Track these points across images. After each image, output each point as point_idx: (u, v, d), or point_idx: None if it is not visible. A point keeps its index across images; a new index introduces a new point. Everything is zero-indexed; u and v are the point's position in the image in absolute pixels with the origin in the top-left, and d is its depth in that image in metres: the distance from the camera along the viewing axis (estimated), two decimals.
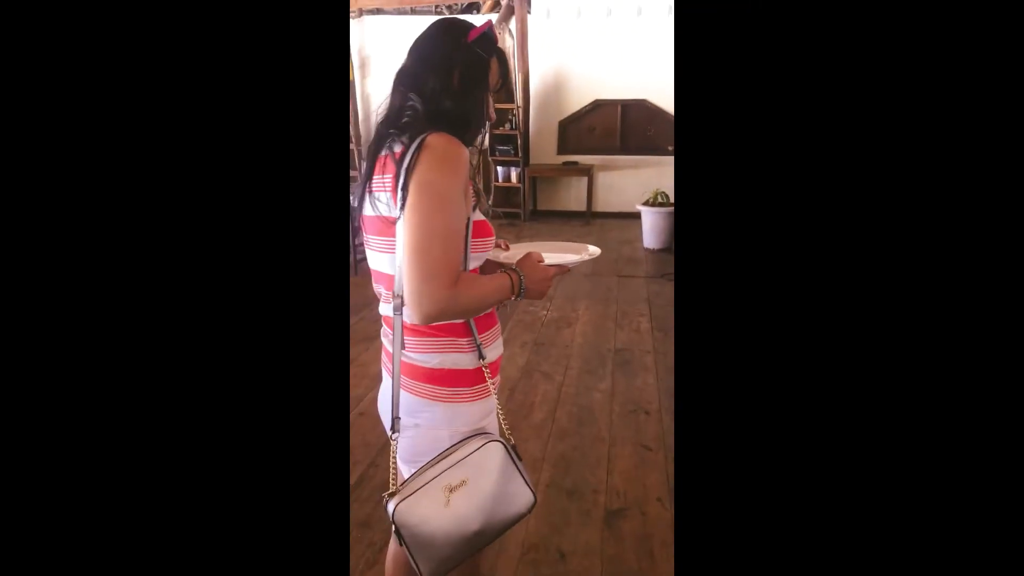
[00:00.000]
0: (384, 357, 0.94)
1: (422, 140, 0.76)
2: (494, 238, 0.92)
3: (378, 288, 0.90)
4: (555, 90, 6.13)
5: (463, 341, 0.87)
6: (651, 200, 4.90)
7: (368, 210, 0.84)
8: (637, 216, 5.24)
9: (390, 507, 0.80)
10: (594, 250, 1.06)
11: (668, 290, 3.88)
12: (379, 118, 0.85)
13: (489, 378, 0.90)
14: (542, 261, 0.92)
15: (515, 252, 0.98)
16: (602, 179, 6.33)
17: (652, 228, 4.87)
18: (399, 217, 0.77)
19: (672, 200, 4.91)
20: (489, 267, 0.94)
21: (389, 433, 0.88)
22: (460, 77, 0.81)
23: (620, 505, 1.77)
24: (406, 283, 0.76)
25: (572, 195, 6.37)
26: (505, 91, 1.06)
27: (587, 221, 6.11)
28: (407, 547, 0.80)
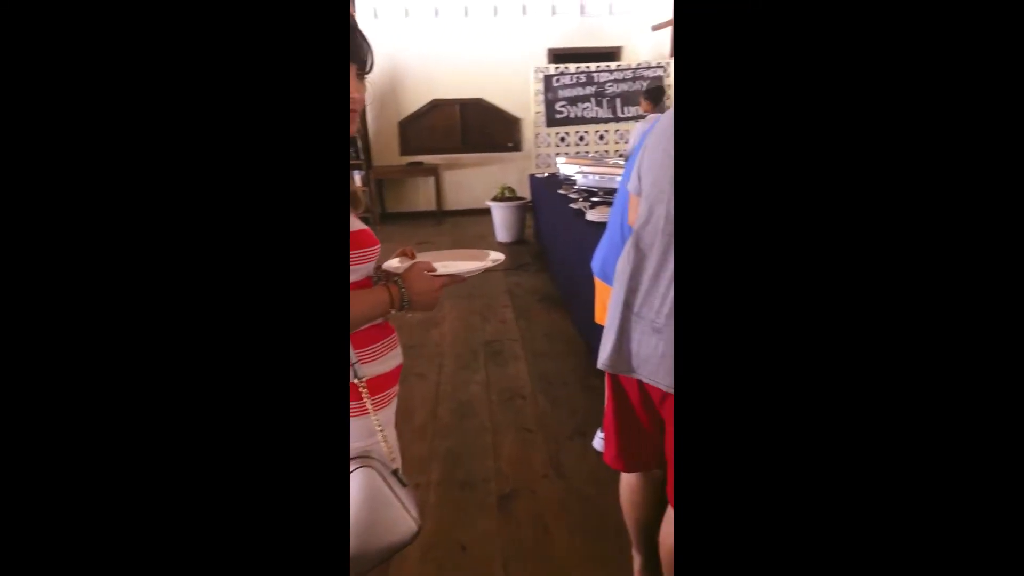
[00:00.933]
0: None
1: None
2: (378, 247, 0.90)
3: None
4: (391, 90, 6.05)
5: None
6: (499, 195, 5.07)
7: None
8: (487, 212, 5.39)
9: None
10: (497, 256, 1.07)
11: (526, 280, 4.06)
12: None
13: (368, 396, 0.86)
14: (432, 271, 0.92)
15: (407, 263, 0.97)
16: (449, 178, 6.40)
17: (503, 222, 5.05)
18: None
19: (517, 194, 5.13)
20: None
21: None
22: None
23: (511, 488, 1.84)
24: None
25: (420, 195, 6.35)
26: None
27: (439, 220, 6.14)
28: None
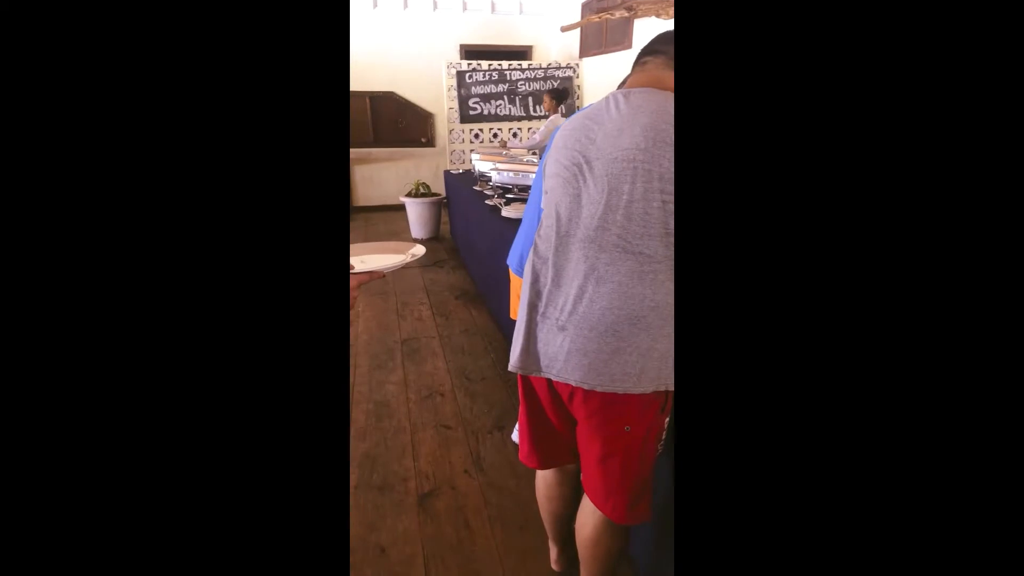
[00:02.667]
0: None
1: None
2: None
3: None
4: None
5: None
6: (413, 191, 4.99)
7: None
8: (401, 208, 5.29)
9: None
10: (418, 249, 1.07)
11: (443, 277, 4.03)
12: None
13: None
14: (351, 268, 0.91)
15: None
16: (360, 172, 6.21)
17: (418, 219, 4.98)
18: None
19: (432, 190, 5.08)
20: None
21: None
22: None
23: (430, 487, 1.82)
24: None
25: None
26: None
27: (351, 216, 5.95)
28: None
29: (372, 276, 0.92)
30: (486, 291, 3.39)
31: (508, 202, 3.20)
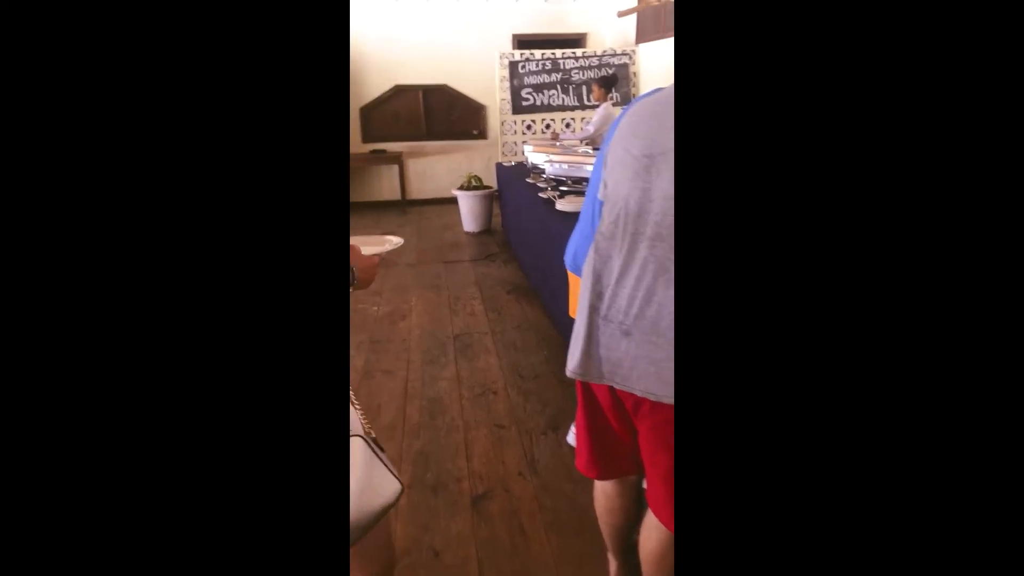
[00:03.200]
0: None
1: None
2: None
3: None
4: (352, 76, 5.86)
5: None
6: (466, 184, 4.98)
7: None
8: (453, 201, 5.29)
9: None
10: (397, 240, 1.19)
11: (495, 271, 3.99)
12: None
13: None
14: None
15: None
16: (412, 166, 6.26)
17: (470, 212, 4.96)
18: None
19: (484, 183, 5.05)
20: None
21: None
22: None
23: (484, 488, 1.79)
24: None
25: (384, 184, 6.20)
26: None
27: (403, 210, 6.01)
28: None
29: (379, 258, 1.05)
30: (539, 286, 3.33)
31: (562, 195, 3.12)
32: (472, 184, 4.96)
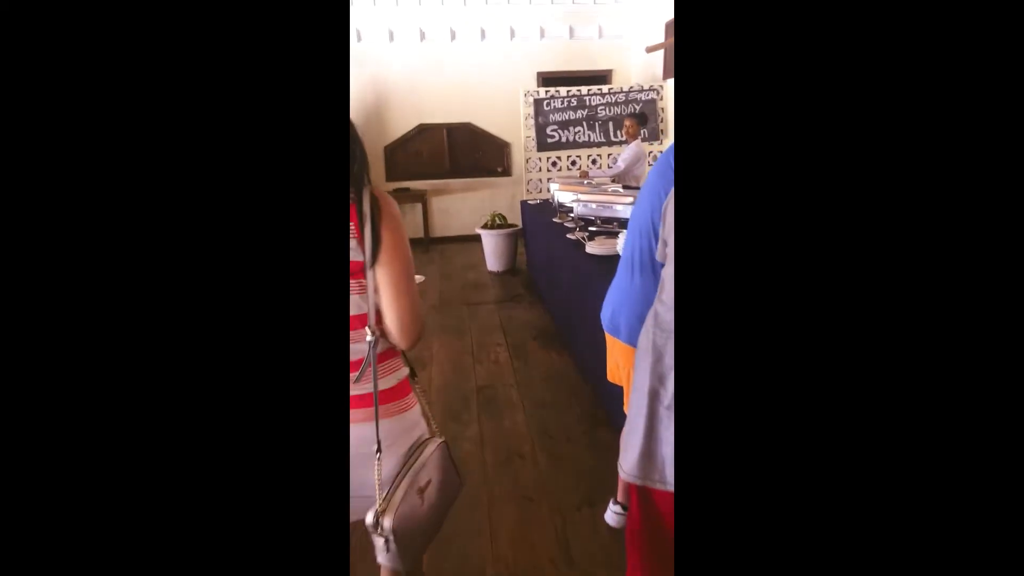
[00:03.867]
0: None
1: (369, 193, 0.86)
2: None
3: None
4: (376, 115, 5.85)
5: (400, 357, 0.99)
6: (489, 223, 4.84)
7: None
8: (476, 239, 5.15)
9: (387, 523, 0.87)
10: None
11: (519, 314, 3.80)
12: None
13: (415, 384, 1.03)
14: None
15: None
16: (436, 204, 6.17)
17: (494, 251, 4.80)
18: (369, 263, 0.86)
19: (508, 221, 4.91)
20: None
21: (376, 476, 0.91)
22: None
23: None
24: (399, 314, 0.87)
25: (407, 222, 6.11)
26: None
27: (426, 248, 5.90)
28: (397, 549, 0.88)
29: None
30: (567, 332, 3.12)
31: (591, 236, 2.94)
32: (496, 223, 4.82)
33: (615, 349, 1.48)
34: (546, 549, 1.66)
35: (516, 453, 2.15)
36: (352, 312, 0.86)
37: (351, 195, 0.83)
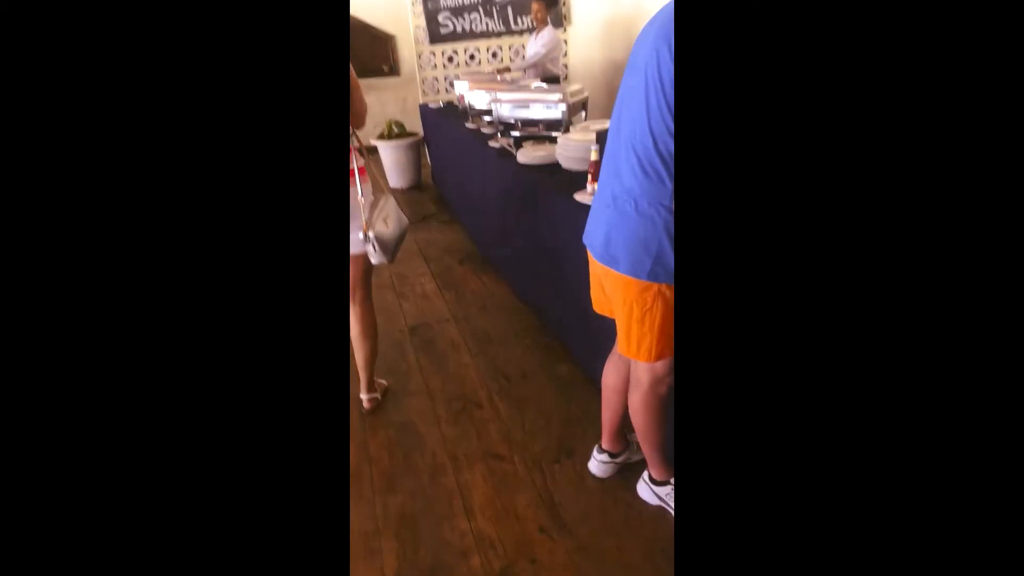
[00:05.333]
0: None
1: None
2: None
3: None
4: None
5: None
6: (386, 132, 4.26)
7: None
8: (371, 152, 4.56)
9: (371, 234, 1.58)
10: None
11: (436, 236, 3.43)
12: None
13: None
14: None
15: None
16: None
17: (395, 164, 4.27)
18: None
19: (407, 129, 4.35)
20: None
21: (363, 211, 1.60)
22: None
23: (501, 564, 1.35)
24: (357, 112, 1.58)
25: None
26: None
27: None
28: (380, 249, 1.61)
29: None
30: (498, 253, 2.83)
31: (517, 142, 2.58)
32: (394, 132, 4.25)
33: (609, 280, 1.22)
34: (533, 517, 1.46)
35: (471, 402, 1.90)
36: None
37: None
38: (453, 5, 4.64)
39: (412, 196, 4.20)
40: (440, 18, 4.64)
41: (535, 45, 3.75)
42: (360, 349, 1.83)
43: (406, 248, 3.23)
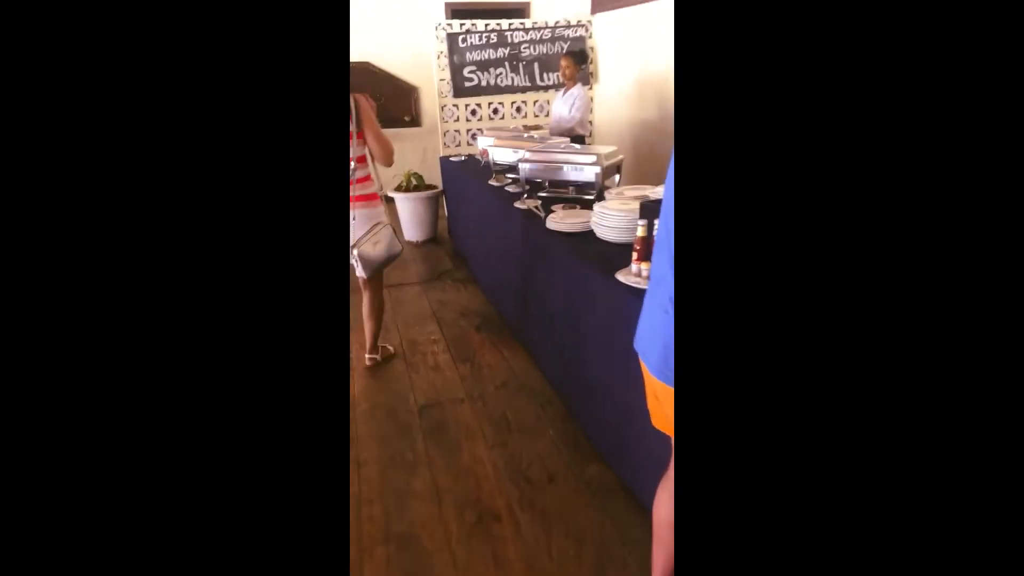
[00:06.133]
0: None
1: (353, 97, 2.07)
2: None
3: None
4: None
5: (371, 180, 2.20)
6: (404, 184, 4.11)
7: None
8: (389, 202, 4.41)
9: (355, 252, 2.11)
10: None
11: (452, 296, 3.19)
12: None
13: (383, 198, 2.25)
14: None
15: None
16: None
17: (413, 217, 4.10)
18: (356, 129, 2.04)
19: (426, 181, 4.20)
20: None
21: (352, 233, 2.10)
22: None
23: None
24: (375, 149, 2.15)
25: None
26: None
27: None
28: (362, 266, 2.14)
29: None
30: (520, 325, 2.58)
31: (547, 205, 2.37)
32: (412, 183, 4.10)
33: (671, 400, 0.96)
34: None
35: (488, 512, 1.61)
36: (358, 154, 2.10)
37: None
38: (479, 59, 4.57)
39: (428, 250, 4.00)
40: (465, 72, 4.56)
41: (564, 104, 3.61)
42: (367, 324, 2.38)
43: (417, 310, 3.00)
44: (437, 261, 3.78)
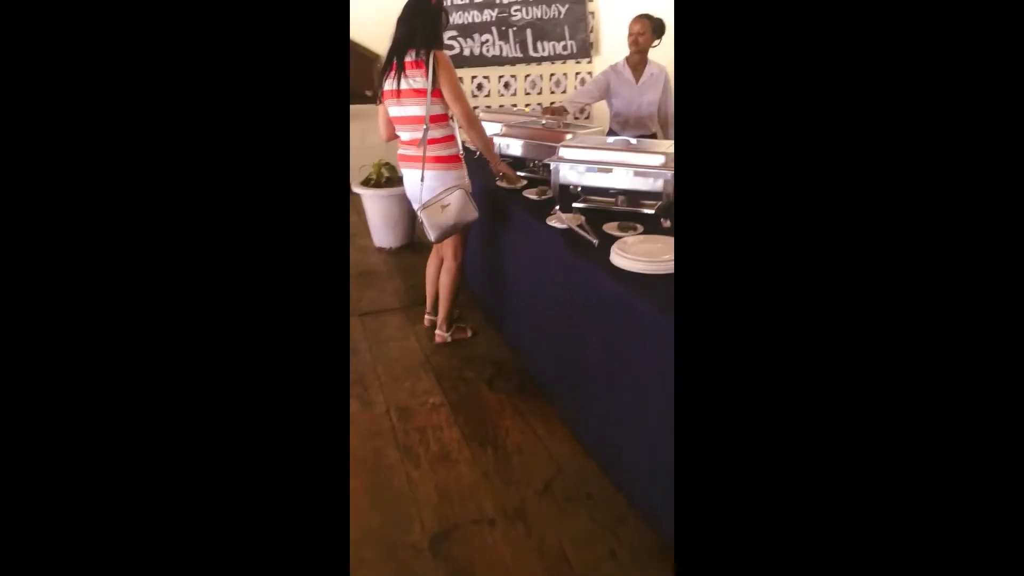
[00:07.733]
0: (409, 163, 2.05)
1: (434, 53, 1.92)
2: None
3: (404, 128, 2.04)
4: None
5: (454, 141, 2.06)
6: (374, 177, 3.31)
7: (402, 85, 1.96)
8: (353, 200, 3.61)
9: (420, 214, 2.01)
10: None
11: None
12: (393, 44, 1.98)
13: (463, 159, 2.08)
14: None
15: None
16: None
17: (384, 219, 3.32)
18: (431, 88, 1.91)
19: (397, 172, 3.40)
20: None
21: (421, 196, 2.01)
22: (435, 21, 1.97)
23: None
24: (458, 114, 1.99)
25: None
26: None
27: None
28: (428, 227, 1.99)
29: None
30: (556, 383, 1.90)
31: (591, 222, 1.68)
32: (384, 177, 3.31)
33: None
34: None
35: None
36: (434, 113, 1.96)
37: (422, 54, 1.90)
38: (461, 23, 3.78)
39: (405, 260, 3.23)
40: (444, 38, 3.76)
41: (648, 87, 2.70)
42: (441, 297, 2.26)
43: (404, 355, 2.26)
44: (419, 276, 3.04)
